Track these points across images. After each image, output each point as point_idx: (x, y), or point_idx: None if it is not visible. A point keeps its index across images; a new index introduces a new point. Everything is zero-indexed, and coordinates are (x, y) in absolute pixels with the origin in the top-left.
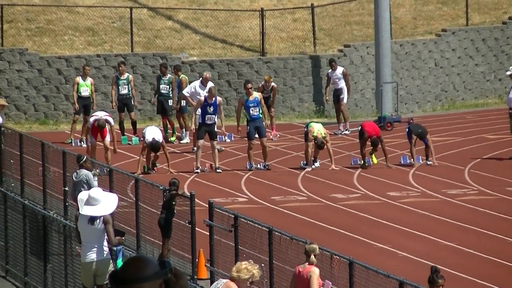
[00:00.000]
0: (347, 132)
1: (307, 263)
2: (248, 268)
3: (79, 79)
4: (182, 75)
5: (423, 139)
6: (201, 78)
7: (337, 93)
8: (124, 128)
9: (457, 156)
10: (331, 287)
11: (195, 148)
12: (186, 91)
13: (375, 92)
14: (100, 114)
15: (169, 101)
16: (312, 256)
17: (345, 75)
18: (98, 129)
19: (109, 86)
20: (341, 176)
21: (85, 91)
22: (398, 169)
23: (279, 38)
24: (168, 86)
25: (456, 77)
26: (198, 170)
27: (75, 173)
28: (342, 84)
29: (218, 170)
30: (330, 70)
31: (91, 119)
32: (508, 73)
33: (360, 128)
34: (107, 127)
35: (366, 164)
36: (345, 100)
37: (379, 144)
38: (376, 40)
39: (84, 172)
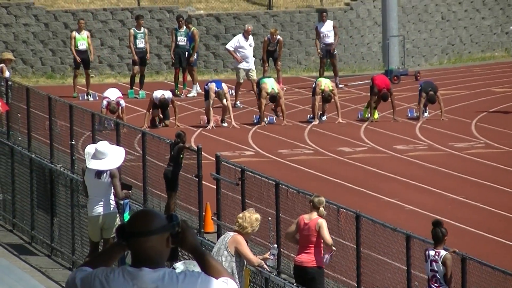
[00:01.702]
0: (341, 86)
1: (314, 214)
2: (257, 218)
3: (75, 33)
4: (193, 28)
5: (433, 99)
6: (243, 31)
7: (328, 48)
8: (134, 82)
9: (464, 110)
10: (328, 257)
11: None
12: (230, 46)
13: (381, 45)
14: (111, 94)
15: (186, 53)
16: (322, 209)
17: (334, 28)
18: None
19: (116, 40)
20: (348, 129)
21: (82, 44)
22: (405, 123)
23: None
24: (185, 38)
25: (462, 30)
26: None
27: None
28: (332, 39)
29: (224, 124)
30: (319, 23)
31: (104, 102)
32: None
33: (371, 81)
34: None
35: (366, 117)
36: (336, 54)
37: (389, 98)
38: None
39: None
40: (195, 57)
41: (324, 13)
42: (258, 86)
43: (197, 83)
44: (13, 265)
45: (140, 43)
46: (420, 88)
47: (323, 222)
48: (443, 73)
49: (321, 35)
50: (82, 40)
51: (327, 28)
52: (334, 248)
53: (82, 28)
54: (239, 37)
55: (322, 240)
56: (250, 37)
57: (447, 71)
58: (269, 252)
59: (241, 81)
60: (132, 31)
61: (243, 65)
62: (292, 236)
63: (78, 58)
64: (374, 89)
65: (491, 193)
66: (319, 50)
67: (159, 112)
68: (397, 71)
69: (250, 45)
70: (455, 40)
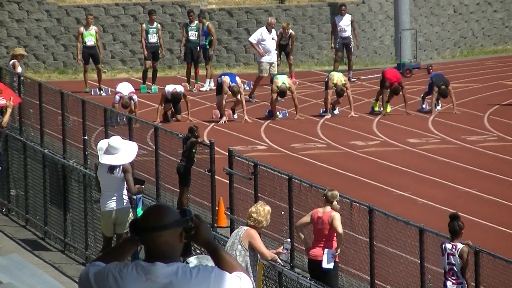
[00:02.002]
0: (354, 79)
1: (327, 208)
2: (269, 209)
3: (82, 29)
4: (207, 22)
5: (445, 93)
6: (266, 24)
7: (345, 41)
8: (146, 77)
9: (477, 103)
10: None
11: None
12: (253, 38)
13: (394, 39)
14: (124, 89)
15: (198, 47)
16: (335, 202)
17: (352, 23)
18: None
19: (128, 35)
20: (360, 123)
21: (90, 40)
22: (418, 116)
23: None
24: (196, 33)
25: (474, 23)
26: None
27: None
28: (349, 32)
29: (235, 116)
30: (337, 16)
31: (117, 97)
32: None
33: (381, 75)
34: (132, 104)
35: (376, 110)
36: (353, 49)
37: (400, 92)
38: None
39: None
40: (211, 52)
41: (343, 7)
42: (271, 82)
43: (212, 78)
44: (26, 261)
45: (152, 38)
46: (431, 82)
47: (336, 215)
48: (455, 66)
49: (338, 28)
50: (90, 36)
51: (345, 22)
52: (338, 251)
53: (90, 23)
54: (262, 30)
55: (335, 234)
56: (273, 30)
57: (459, 64)
58: (282, 247)
59: (264, 74)
60: (144, 25)
61: (265, 59)
62: (301, 228)
63: (79, 57)
64: (386, 83)
65: (503, 187)
66: (332, 44)
67: (171, 106)
68: (410, 65)
69: (272, 39)
70: (467, 33)
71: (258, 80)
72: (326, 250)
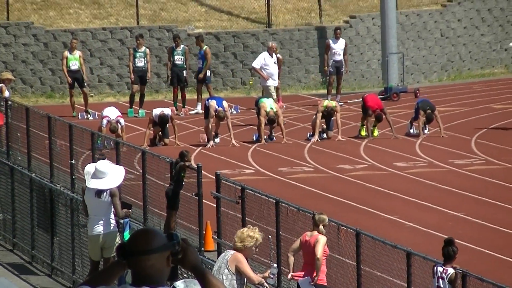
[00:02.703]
0: (337, 99)
1: (315, 231)
2: (251, 235)
3: (67, 53)
4: (205, 46)
5: (430, 118)
6: (267, 48)
7: (337, 64)
8: (133, 101)
9: (464, 126)
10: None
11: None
12: (256, 64)
13: (381, 62)
14: (110, 113)
15: (184, 72)
16: (321, 226)
17: (345, 47)
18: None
19: (115, 59)
20: (347, 147)
21: (74, 64)
22: (405, 140)
23: (284, 10)
24: (182, 57)
25: (462, 47)
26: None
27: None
28: (341, 56)
29: (217, 140)
30: (332, 39)
31: (104, 121)
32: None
33: (362, 101)
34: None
35: (363, 135)
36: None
37: (385, 116)
38: (382, 11)
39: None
40: (209, 74)
41: (339, 30)
42: (256, 105)
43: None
44: (13, 285)
45: (139, 62)
46: (416, 107)
47: (321, 238)
48: (442, 90)
49: (333, 51)
50: (74, 60)
51: (340, 45)
52: (316, 279)
53: (75, 48)
54: (265, 55)
55: (324, 257)
56: (274, 55)
57: (446, 88)
58: (269, 271)
59: (274, 97)
60: (131, 50)
61: (270, 82)
62: (294, 253)
63: (69, 79)
64: (368, 110)
65: (491, 210)
66: (326, 67)
67: (159, 130)
68: (397, 88)
69: (274, 63)
70: (455, 57)
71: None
72: (304, 275)
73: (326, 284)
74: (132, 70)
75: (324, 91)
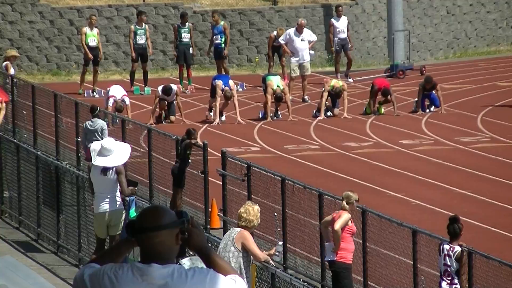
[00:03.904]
0: (351, 80)
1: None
2: (257, 208)
3: (86, 29)
4: (222, 21)
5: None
6: (296, 25)
7: (342, 42)
8: (134, 78)
9: (470, 104)
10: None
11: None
12: (282, 39)
13: (387, 40)
14: (117, 92)
15: (190, 49)
16: (343, 203)
17: (348, 24)
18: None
19: (121, 36)
20: (353, 124)
21: (93, 41)
22: (411, 117)
23: None
24: (188, 35)
25: (468, 24)
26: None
27: (89, 122)
28: (346, 33)
29: (223, 118)
30: (334, 18)
31: (111, 101)
32: None
33: (371, 86)
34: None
35: (369, 112)
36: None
37: (389, 94)
38: None
39: (99, 122)
40: (226, 51)
41: (340, 8)
42: (263, 82)
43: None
44: (19, 263)
45: (140, 39)
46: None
47: (344, 214)
48: (448, 67)
49: (337, 30)
50: (93, 37)
51: (343, 23)
52: (336, 248)
53: (94, 24)
54: (291, 31)
55: (349, 235)
56: (305, 31)
57: (452, 65)
58: (274, 248)
59: (293, 75)
60: (132, 27)
61: (294, 59)
62: (325, 226)
63: (90, 55)
64: (375, 87)
65: (497, 187)
66: (332, 47)
67: (166, 105)
68: (403, 66)
69: (302, 40)
70: (461, 34)
71: (290, 81)
72: (328, 243)
73: (350, 262)
74: (133, 47)
75: (330, 69)
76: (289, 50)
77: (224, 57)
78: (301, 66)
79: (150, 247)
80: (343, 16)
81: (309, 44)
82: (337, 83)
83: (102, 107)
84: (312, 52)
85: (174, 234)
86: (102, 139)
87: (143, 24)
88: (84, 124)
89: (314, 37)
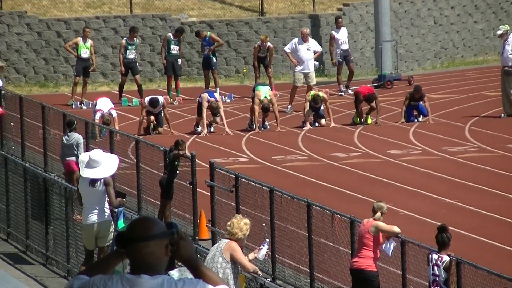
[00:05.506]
0: (350, 91)
1: (371, 218)
2: (245, 222)
3: (79, 40)
4: (208, 32)
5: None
6: (301, 34)
7: (345, 54)
8: (122, 90)
9: (457, 114)
10: (392, 246)
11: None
12: (287, 48)
13: (374, 50)
14: (104, 106)
15: (178, 60)
16: (378, 214)
17: (348, 35)
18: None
19: (109, 48)
20: (341, 135)
21: (85, 52)
22: (398, 127)
23: None
24: (177, 47)
25: (455, 34)
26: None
27: (66, 136)
28: (347, 45)
29: (211, 129)
30: (334, 30)
31: (98, 114)
32: (499, 32)
33: (354, 96)
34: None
35: (357, 122)
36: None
37: (374, 100)
38: None
39: (75, 136)
40: (215, 60)
41: (340, 19)
42: (253, 91)
43: (218, 88)
44: (8, 274)
45: (130, 54)
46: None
47: (378, 222)
48: (436, 77)
49: (339, 41)
50: (85, 49)
51: (343, 34)
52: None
53: (87, 36)
54: (295, 40)
55: (378, 242)
56: (311, 41)
57: (440, 75)
58: (257, 249)
59: (297, 84)
60: (123, 42)
61: (298, 68)
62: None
63: (76, 67)
64: (359, 97)
65: (485, 197)
66: (334, 59)
67: (153, 118)
68: (390, 76)
69: (307, 49)
70: (448, 44)
71: (294, 90)
72: (388, 243)
73: (375, 270)
74: (122, 62)
75: (319, 79)
76: (294, 60)
77: (214, 65)
78: (306, 76)
79: (139, 258)
80: (342, 28)
81: (314, 55)
82: (316, 93)
83: (90, 118)
84: (316, 62)
85: (163, 245)
86: (78, 153)
87: (135, 39)
88: (61, 139)
89: (319, 48)
